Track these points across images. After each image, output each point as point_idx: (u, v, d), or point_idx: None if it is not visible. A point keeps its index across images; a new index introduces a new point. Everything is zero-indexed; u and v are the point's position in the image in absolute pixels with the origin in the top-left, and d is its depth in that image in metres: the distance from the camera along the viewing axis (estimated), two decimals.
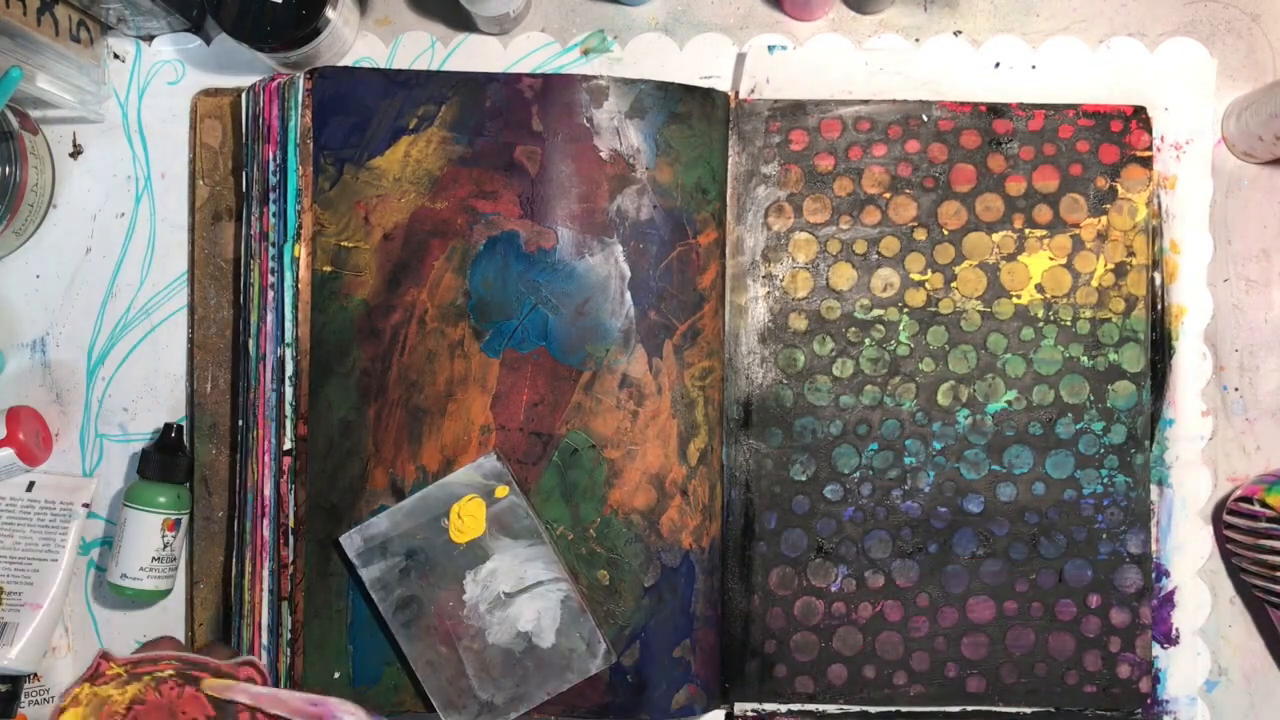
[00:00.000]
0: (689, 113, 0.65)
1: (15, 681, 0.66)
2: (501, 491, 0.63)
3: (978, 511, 0.66)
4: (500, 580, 0.63)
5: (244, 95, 0.67)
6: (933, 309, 0.67)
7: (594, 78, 0.64)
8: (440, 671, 0.63)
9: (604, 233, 0.64)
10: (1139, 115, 0.67)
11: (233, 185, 0.68)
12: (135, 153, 0.70)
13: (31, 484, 0.68)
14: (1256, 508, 0.64)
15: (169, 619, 0.69)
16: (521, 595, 0.63)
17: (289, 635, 0.64)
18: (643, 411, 0.64)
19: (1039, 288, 0.67)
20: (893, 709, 0.66)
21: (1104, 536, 0.66)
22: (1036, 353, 0.66)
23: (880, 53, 0.69)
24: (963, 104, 0.67)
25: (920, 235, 0.67)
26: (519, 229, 0.64)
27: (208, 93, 0.69)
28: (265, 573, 0.64)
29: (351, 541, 0.63)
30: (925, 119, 0.67)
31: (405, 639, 0.63)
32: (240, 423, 0.66)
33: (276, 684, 0.64)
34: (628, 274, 0.64)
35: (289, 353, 0.64)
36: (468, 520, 0.63)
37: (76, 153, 0.70)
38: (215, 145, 0.69)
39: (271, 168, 0.65)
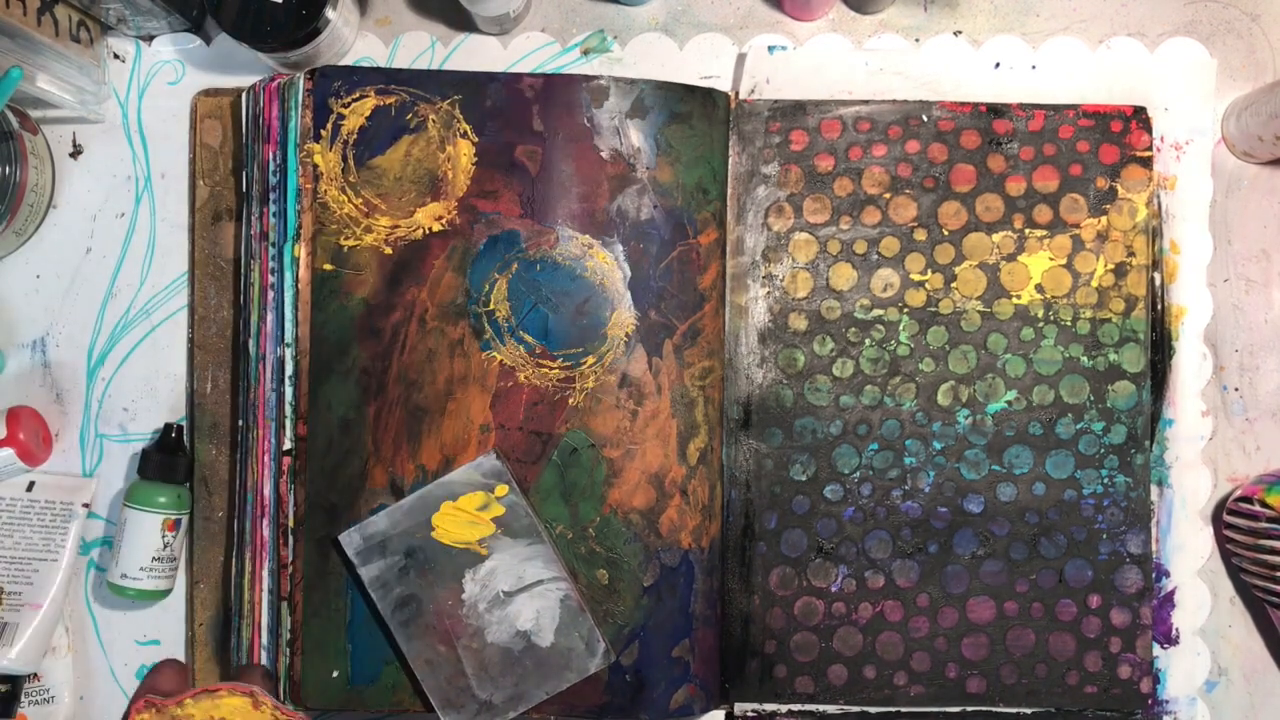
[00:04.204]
0: (690, 113, 0.65)
1: (15, 681, 0.65)
2: (501, 490, 0.63)
3: (978, 511, 0.66)
4: (499, 579, 0.63)
5: (244, 95, 0.67)
6: (933, 309, 0.67)
7: (595, 78, 0.64)
8: (439, 670, 0.63)
9: (604, 232, 0.64)
10: (1139, 115, 0.67)
11: (233, 185, 0.68)
12: (135, 153, 0.70)
13: (31, 484, 0.68)
14: (1256, 508, 0.64)
15: (169, 619, 0.69)
16: (520, 594, 0.63)
17: (288, 635, 0.64)
18: (642, 411, 0.64)
19: (1039, 288, 0.67)
20: (893, 709, 0.66)
21: (1104, 537, 0.66)
22: (1036, 353, 0.66)
23: (880, 53, 0.69)
24: (963, 104, 0.67)
25: (920, 235, 0.67)
26: (519, 228, 0.64)
27: (208, 93, 0.69)
28: (265, 572, 0.64)
29: (350, 540, 0.63)
30: (925, 119, 0.67)
31: (404, 638, 0.63)
32: (240, 423, 0.66)
33: (276, 684, 0.64)
34: (628, 274, 0.64)
35: (289, 352, 0.64)
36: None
37: (76, 153, 0.70)
38: (215, 145, 0.69)
39: (271, 168, 0.65)
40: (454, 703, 0.63)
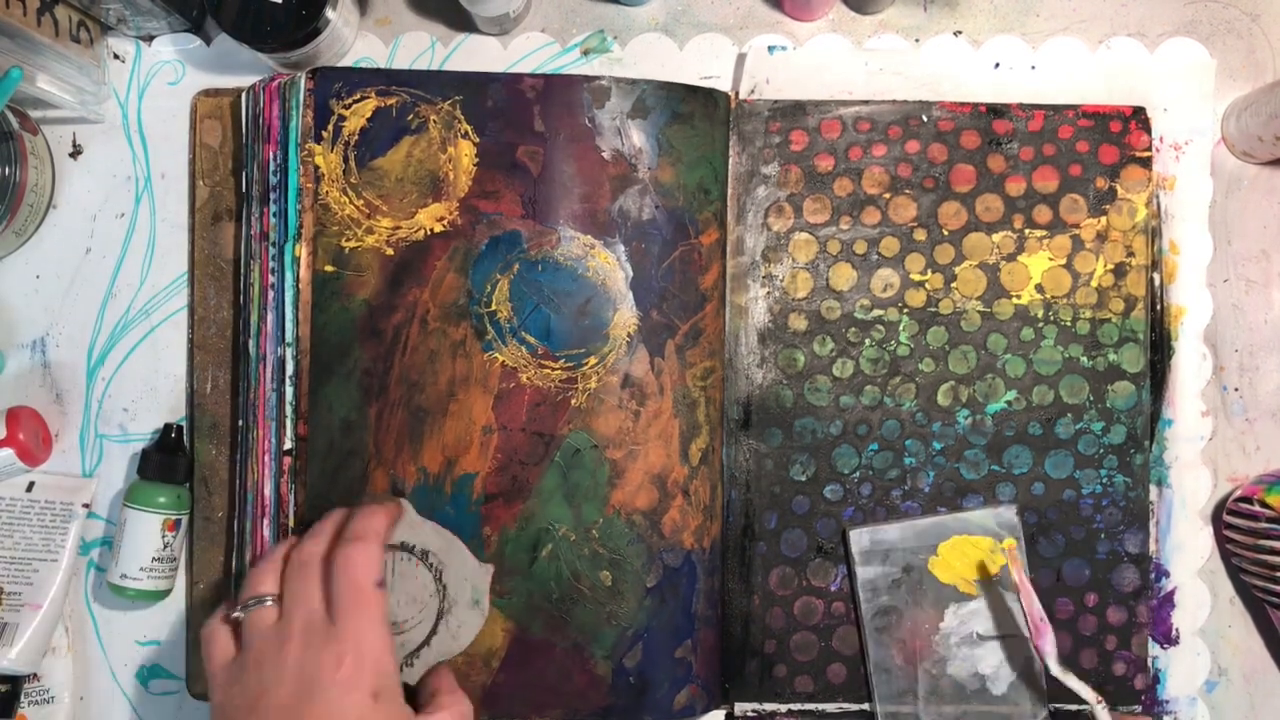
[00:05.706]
0: (691, 113, 0.65)
1: (15, 682, 0.66)
2: (1009, 544, 0.64)
3: None
4: (978, 621, 0.65)
5: (244, 95, 0.67)
6: (933, 309, 0.67)
7: (596, 78, 0.64)
8: (892, 681, 0.64)
9: (606, 233, 0.64)
10: (1138, 116, 0.67)
11: (233, 185, 0.68)
12: (135, 153, 0.70)
13: (31, 484, 0.68)
14: (1256, 508, 0.64)
15: (169, 619, 0.69)
16: (992, 641, 0.64)
17: None
18: (645, 411, 0.64)
19: (1039, 288, 0.67)
20: None
21: (1102, 536, 0.66)
22: (1036, 353, 0.66)
23: (880, 53, 0.69)
24: (963, 104, 0.67)
25: (920, 235, 0.67)
26: (521, 229, 0.64)
27: (208, 93, 0.69)
28: None
29: (859, 539, 0.64)
30: (925, 119, 0.67)
31: (874, 640, 0.64)
32: (240, 423, 0.66)
33: None
34: (630, 274, 0.64)
35: (289, 352, 0.64)
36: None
37: (76, 153, 0.70)
38: (215, 145, 0.69)
39: (271, 168, 0.65)
40: (896, 715, 0.64)
